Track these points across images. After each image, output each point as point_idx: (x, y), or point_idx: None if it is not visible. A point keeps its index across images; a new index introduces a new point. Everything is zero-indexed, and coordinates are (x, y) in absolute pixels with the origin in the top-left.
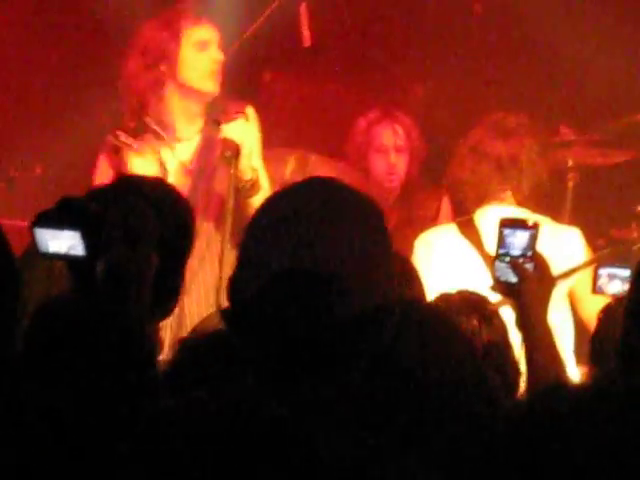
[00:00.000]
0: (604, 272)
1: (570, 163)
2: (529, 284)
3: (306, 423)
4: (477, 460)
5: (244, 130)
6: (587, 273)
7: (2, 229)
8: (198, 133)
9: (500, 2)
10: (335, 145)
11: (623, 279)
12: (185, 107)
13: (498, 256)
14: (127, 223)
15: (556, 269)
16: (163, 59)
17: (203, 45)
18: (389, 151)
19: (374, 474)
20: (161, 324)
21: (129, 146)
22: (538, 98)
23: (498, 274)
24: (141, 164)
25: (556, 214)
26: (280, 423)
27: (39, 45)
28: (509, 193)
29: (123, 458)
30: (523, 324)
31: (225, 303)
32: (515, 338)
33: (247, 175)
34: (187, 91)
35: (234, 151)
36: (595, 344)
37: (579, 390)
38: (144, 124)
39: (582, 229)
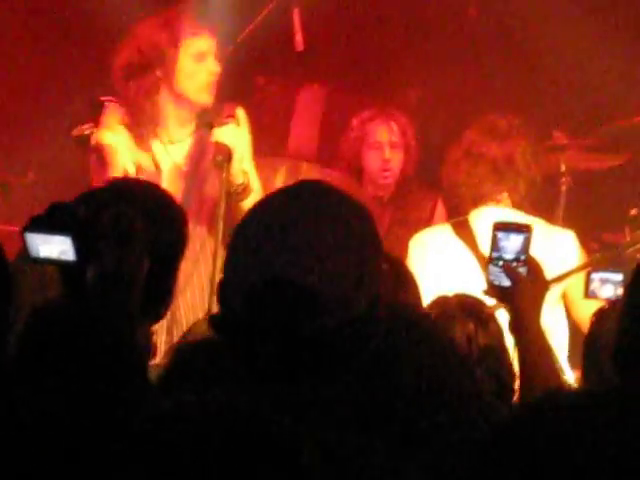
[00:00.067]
0: (596, 276)
1: (563, 167)
2: (522, 288)
3: (305, 424)
4: (474, 463)
5: (235, 134)
6: (581, 276)
7: None
8: (190, 136)
9: (495, 6)
10: (328, 149)
11: (615, 283)
12: (178, 114)
13: (491, 260)
14: (117, 227)
15: (550, 271)
16: (159, 62)
17: (201, 57)
18: (383, 147)
19: (373, 475)
20: (155, 327)
21: (92, 129)
22: (531, 102)
23: (491, 278)
24: (111, 137)
25: (549, 218)
26: (277, 424)
27: (32, 51)
28: (505, 194)
29: (117, 461)
30: (516, 328)
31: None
32: (510, 341)
33: (239, 179)
34: (182, 101)
35: (226, 155)
36: (588, 347)
37: (576, 395)
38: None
39: (575, 233)
